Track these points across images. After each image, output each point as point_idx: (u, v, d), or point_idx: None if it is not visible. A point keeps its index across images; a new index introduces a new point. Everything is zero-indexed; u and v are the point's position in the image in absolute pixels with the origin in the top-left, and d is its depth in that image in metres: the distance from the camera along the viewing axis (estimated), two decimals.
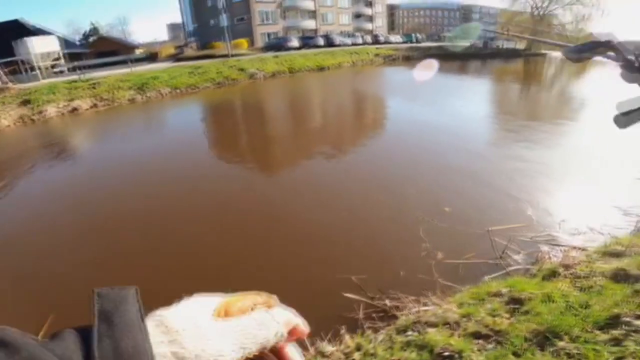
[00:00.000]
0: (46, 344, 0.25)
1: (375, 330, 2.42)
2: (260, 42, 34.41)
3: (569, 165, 5.92)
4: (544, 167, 5.91)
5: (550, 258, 3.20)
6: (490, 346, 1.99)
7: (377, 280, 3.01)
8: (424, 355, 1.99)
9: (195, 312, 0.31)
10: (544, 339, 1.92)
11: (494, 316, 2.18)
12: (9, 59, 17.08)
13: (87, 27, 47.51)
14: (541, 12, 41.98)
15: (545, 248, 3.41)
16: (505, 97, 15.55)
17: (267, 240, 3.85)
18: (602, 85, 19.69)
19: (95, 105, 12.99)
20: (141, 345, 0.26)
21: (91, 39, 42.71)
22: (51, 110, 11.95)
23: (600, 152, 6.48)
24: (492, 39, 47.27)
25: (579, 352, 1.75)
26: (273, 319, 0.33)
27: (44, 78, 15.73)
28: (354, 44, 33.74)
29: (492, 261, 3.25)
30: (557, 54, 41.24)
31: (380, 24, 52.31)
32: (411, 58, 31.13)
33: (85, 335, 0.27)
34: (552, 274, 2.66)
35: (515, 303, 2.29)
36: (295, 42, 29.16)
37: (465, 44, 42.90)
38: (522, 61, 33.85)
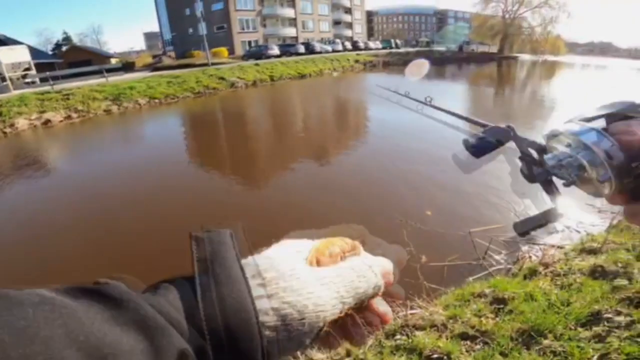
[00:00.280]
0: (148, 298, 0.23)
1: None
2: (240, 50, 34.32)
3: None
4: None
5: (530, 257, 3.28)
6: (477, 347, 2.01)
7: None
8: (414, 358, 2.00)
9: (291, 261, 0.29)
10: (529, 337, 1.96)
11: (479, 317, 2.20)
12: None
13: (59, 37, 46.26)
14: (511, 16, 43.71)
15: (525, 247, 3.50)
16: (481, 100, 16.03)
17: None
18: (571, 86, 20.63)
19: (69, 117, 12.55)
20: (245, 301, 0.25)
21: (63, 49, 41.58)
22: (23, 122, 11.48)
23: None
24: (467, 43, 48.86)
25: (564, 349, 1.79)
26: (371, 269, 0.31)
27: (15, 89, 15.12)
28: (334, 51, 34.09)
29: (475, 262, 3.30)
30: (528, 57, 42.99)
31: (359, 31, 53.18)
32: (390, 63, 31.72)
33: (185, 286, 0.25)
34: (533, 273, 2.73)
35: (499, 303, 2.33)
36: (275, 50, 29.18)
37: (442, 48, 44.15)
38: (495, 64, 35.02)
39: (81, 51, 37.21)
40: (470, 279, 3.02)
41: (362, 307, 0.31)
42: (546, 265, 2.77)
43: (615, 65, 40.83)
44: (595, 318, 1.94)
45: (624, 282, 2.22)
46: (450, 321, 2.23)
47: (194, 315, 0.24)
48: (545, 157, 0.33)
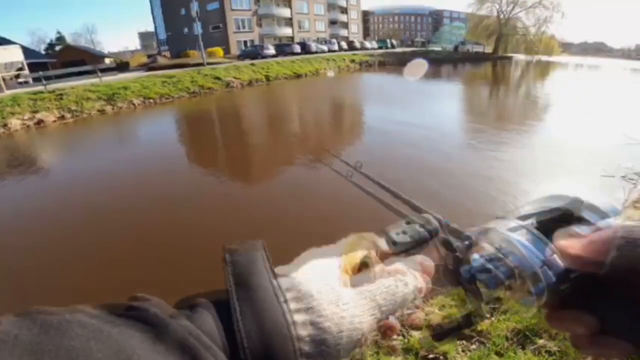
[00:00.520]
0: (186, 318, 0.23)
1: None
2: (236, 50, 34.19)
3: (537, 163, 6.16)
4: (513, 166, 6.14)
5: None
6: (473, 347, 2.02)
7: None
8: (410, 358, 2.00)
9: (325, 271, 0.28)
10: (524, 337, 1.96)
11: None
12: None
13: (52, 36, 45.87)
14: (506, 16, 43.98)
15: None
16: (476, 100, 16.10)
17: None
18: (563, 86, 20.79)
19: (62, 117, 12.42)
20: (282, 317, 0.24)
21: (57, 48, 41.22)
22: (16, 122, 11.35)
23: (565, 150, 6.79)
24: (463, 43, 49.11)
25: (559, 349, 1.79)
26: (409, 271, 0.30)
27: (8, 89, 14.95)
28: (330, 51, 34.10)
29: None
30: (522, 58, 43.28)
31: (355, 31, 53.23)
32: (386, 63, 31.79)
33: (221, 305, 0.25)
34: None
35: (494, 303, 2.33)
36: (271, 50, 29.09)
37: (437, 48, 44.34)
38: (490, 64, 35.21)
39: (75, 51, 36.92)
40: None
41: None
42: None
43: (609, 65, 41.27)
44: None
45: None
46: (446, 321, 2.23)
47: (233, 332, 0.24)
48: (473, 257, 0.29)
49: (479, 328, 2.10)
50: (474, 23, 45.66)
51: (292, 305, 0.25)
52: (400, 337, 2.21)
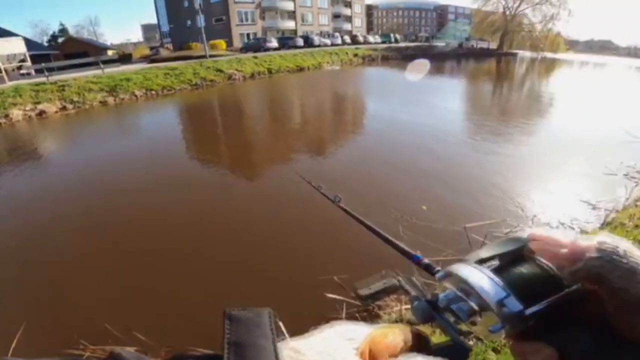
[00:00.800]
0: None
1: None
2: (238, 42, 34.02)
3: (540, 161, 6.13)
4: (516, 163, 6.11)
5: None
6: (470, 343, 2.02)
7: (359, 279, 2.98)
8: None
9: (334, 347, 0.26)
10: None
11: None
12: None
13: (55, 28, 45.73)
14: (512, 12, 43.49)
15: None
16: (480, 97, 15.99)
17: (247, 243, 3.78)
18: (568, 84, 20.63)
19: (64, 108, 12.42)
20: None
21: (60, 40, 41.09)
22: (17, 113, 11.36)
23: (568, 148, 6.75)
24: (467, 39, 48.68)
25: None
26: None
27: (10, 80, 14.95)
28: (333, 45, 33.87)
29: None
30: (528, 54, 42.88)
31: (358, 25, 52.78)
32: (389, 58, 31.58)
33: None
34: None
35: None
36: (274, 43, 28.93)
37: (441, 43, 43.98)
38: (495, 61, 34.91)
39: (77, 43, 36.81)
40: None
41: None
42: None
43: (614, 64, 40.88)
44: None
45: None
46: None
47: None
48: (439, 296, 0.32)
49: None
50: (479, 19, 45.19)
51: None
52: None
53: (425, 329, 0.32)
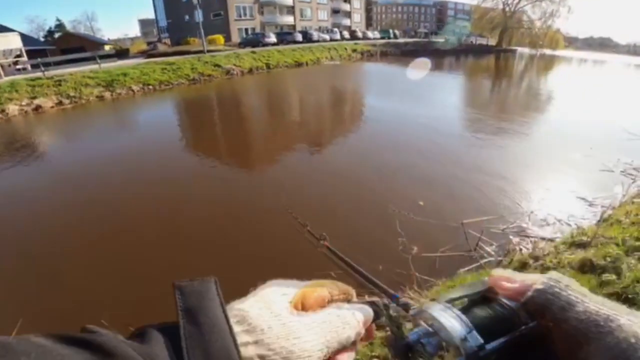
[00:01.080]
0: (134, 346, 0.24)
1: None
2: (237, 37, 33.78)
3: (538, 157, 6.13)
4: (513, 160, 6.11)
5: (520, 249, 3.29)
6: None
7: (355, 275, 2.99)
8: None
9: (275, 306, 0.29)
10: None
11: None
12: None
13: (51, 24, 45.26)
14: (512, 9, 43.37)
15: (515, 239, 3.51)
16: (478, 93, 15.97)
17: (245, 239, 3.77)
18: (567, 81, 20.62)
19: (60, 103, 12.33)
20: (230, 349, 0.25)
21: (56, 36, 40.73)
22: (13, 108, 11.28)
23: (565, 144, 6.75)
24: (467, 35, 48.55)
25: None
26: (354, 316, 0.32)
27: (6, 75, 14.83)
28: (332, 40, 33.70)
29: (466, 254, 3.30)
30: (527, 51, 42.81)
31: (358, 20, 52.48)
32: (388, 54, 31.48)
33: (171, 335, 0.26)
34: (523, 266, 2.73)
35: None
36: (272, 38, 28.75)
37: (440, 40, 43.83)
38: (493, 57, 34.85)
39: (74, 38, 36.45)
40: (461, 270, 3.02)
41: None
42: (536, 258, 2.78)
43: (613, 61, 40.85)
44: None
45: (612, 276, 2.23)
46: None
47: None
48: (411, 332, 0.35)
49: None
50: (478, 15, 45.05)
51: (242, 338, 0.26)
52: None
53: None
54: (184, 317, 0.27)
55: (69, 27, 49.49)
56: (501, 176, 5.21)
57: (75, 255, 3.64)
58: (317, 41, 31.38)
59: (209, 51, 22.30)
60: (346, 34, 37.89)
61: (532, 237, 3.54)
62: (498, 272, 0.37)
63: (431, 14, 78.81)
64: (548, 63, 32.30)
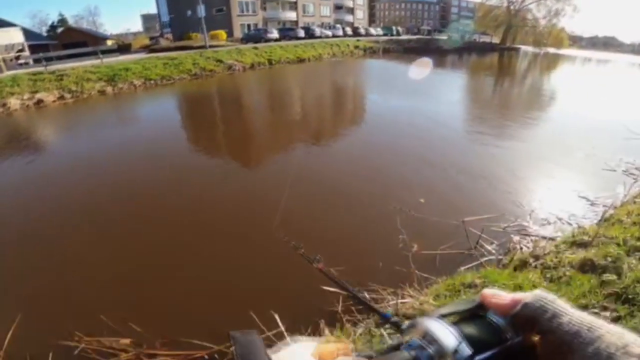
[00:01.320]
0: None
1: (354, 324, 2.40)
2: (239, 33, 33.64)
3: (539, 156, 6.10)
4: (515, 158, 6.09)
5: (521, 248, 3.27)
6: None
7: (355, 272, 2.98)
8: None
9: (302, 356, 0.39)
10: None
11: None
12: None
13: (54, 18, 45.25)
14: (516, 7, 43.00)
15: (516, 238, 3.49)
16: (481, 91, 15.88)
17: (245, 236, 3.77)
18: (571, 80, 20.50)
19: (62, 97, 12.31)
20: None
21: (59, 30, 40.64)
22: (15, 102, 11.28)
23: (567, 144, 6.71)
24: (471, 33, 48.19)
25: None
26: None
27: (8, 70, 14.85)
28: (334, 36, 33.55)
29: (467, 252, 3.29)
30: (530, 49, 42.53)
31: (360, 16, 52.18)
32: (391, 50, 31.32)
33: None
34: (523, 265, 2.72)
35: None
36: (275, 34, 28.64)
37: (443, 37, 43.55)
38: (497, 55, 34.64)
39: (76, 33, 36.40)
40: (462, 268, 3.01)
41: None
42: (537, 257, 2.77)
43: (618, 60, 40.55)
44: None
45: (613, 277, 2.22)
46: None
47: None
48: (405, 345, 0.37)
49: None
50: (482, 13, 44.67)
51: None
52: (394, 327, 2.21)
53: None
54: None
55: (71, 22, 49.41)
56: (502, 174, 5.20)
57: (71, 252, 3.65)
58: (320, 37, 31.24)
59: (211, 46, 22.24)
60: (349, 31, 37.68)
61: (533, 235, 3.52)
62: (488, 290, 0.39)
63: (434, 11, 78.30)
64: (552, 62, 32.09)
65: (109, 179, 5.49)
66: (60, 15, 48.77)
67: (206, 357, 2.32)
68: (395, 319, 0.46)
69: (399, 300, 2.59)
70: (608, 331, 0.30)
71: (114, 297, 2.90)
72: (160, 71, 15.48)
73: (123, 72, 14.37)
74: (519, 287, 2.27)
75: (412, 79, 16.23)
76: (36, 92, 11.97)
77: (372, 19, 64.66)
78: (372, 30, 41.82)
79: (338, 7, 47.38)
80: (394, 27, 46.37)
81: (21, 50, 19.89)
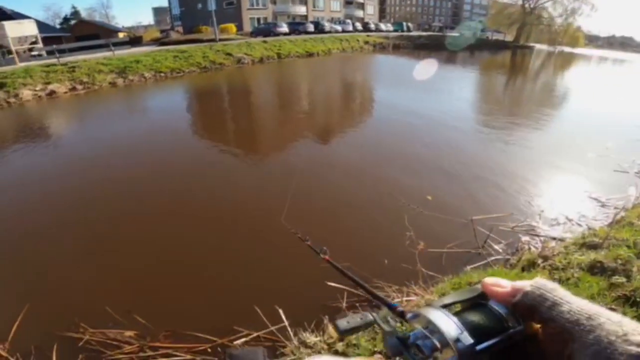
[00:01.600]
0: None
1: None
2: (249, 27, 33.61)
3: (551, 155, 6.00)
4: (527, 157, 6.00)
5: (529, 249, 3.24)
6: None
7: (361, 268, 2.97)
8: None
9: None
10: None
11: None
12: None
13: (67, 11, 45.74)
14: (532, 5, 42.12)
15: (525, 238, 3.45)
16: (492, 89, 15.65)
17: (251, 229, 3.79)
18: (585, 79, 20.07)
19: (74, 89, 12.48)
20: None
21: (72, 23, 41.09)
22: (27, 93, 11.46)
23: (579, 144, 6.60)
24: (482, 30, 47.42)
25: None
26: None
27: (21, 62, 15.08)
28: (344, 31, 33.34)
29: (474, 251, 3.26)
30: (545, 48, 41.72)
31: (371, 12, 51.71)
32: (401, 47, 31.00)
33: None
34: (531, 265, 2.69)
35: None
36: (284, 28, 28.56)
37: (455, 34, 42.93)
38: (510, 53, 34.06)
39: (89, 25, 36.80)
40: (468, 267, 2.99)
41: None
42: (545, 258, 2.74)
43: (634, 60, 39.61)
44: None
45: (622, 279, 2.19)
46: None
47: None
48: (408, 334, 0.38)
49: None
50: (496, 10, 43.87)
51: None
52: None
53: None
54: None
55: (84, 14, 49.99)
56: (513, 173, 5.13)
57: (78, 244, 3.71)
58: (329, 32, 31.09)
59: (220, 40, 22.27)
60: (359, 26, 37.41)
61: (542, 236, 3.48)
62: (489, 279, 0.40)
63: (446, 8, 77.15)
64: (566, 60, 31.48)
65: (113, 172, 5.51)
66: (74, 7, 49.47)
67: (209, 350, 2.33)
68: (401, 309, 0.44)
69: (405, 298, 2.59)
70: (608, 319, 0.31)
71: (119, 290, 2.92)
72: (171, 64, 15.58)
73: (134, 64, 14.49)
74: None
75: (421, 75, 16.06)
76: (49, 83, 12.15)
77: (382, 15, 64.02)
78: (382, 26, 41.38)
79: (348, 2, 46.99)
80: (404, 23, 45.82)
81: (34, 42, 20.13)
